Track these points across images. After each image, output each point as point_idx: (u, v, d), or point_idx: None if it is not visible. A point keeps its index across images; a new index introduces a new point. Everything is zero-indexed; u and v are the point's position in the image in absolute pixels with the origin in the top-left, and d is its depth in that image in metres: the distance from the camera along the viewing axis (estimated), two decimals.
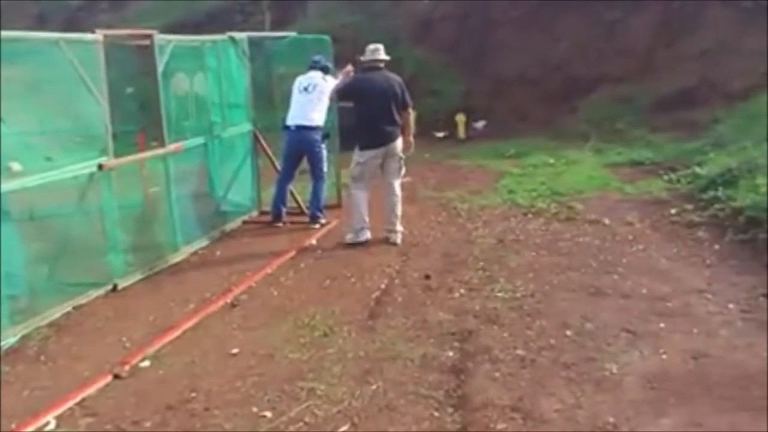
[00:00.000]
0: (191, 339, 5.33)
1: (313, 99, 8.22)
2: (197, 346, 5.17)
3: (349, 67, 7.93)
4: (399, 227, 7.74)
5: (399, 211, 7.75)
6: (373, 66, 7.66)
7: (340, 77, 7.89)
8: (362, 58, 7.77)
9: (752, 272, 6.18)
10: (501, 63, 15.09)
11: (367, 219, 7.58)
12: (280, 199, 8.58)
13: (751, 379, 4.33)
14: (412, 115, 7.89)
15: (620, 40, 14.31)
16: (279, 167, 8.73)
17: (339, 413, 4.14)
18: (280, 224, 8.56)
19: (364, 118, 7.57)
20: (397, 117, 7.56)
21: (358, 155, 7.63)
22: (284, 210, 8.64)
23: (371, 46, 7.73)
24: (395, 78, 7.67)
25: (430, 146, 13.27)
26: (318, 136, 8.30)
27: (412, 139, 7.82)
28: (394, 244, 7.60)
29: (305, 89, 8.17)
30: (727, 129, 10.96)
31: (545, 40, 14.88)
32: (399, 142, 7.62)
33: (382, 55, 7.68)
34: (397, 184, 7.74)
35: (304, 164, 8.52)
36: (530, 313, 5.52)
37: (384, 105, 7.48)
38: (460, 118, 14.34)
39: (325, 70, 8.39)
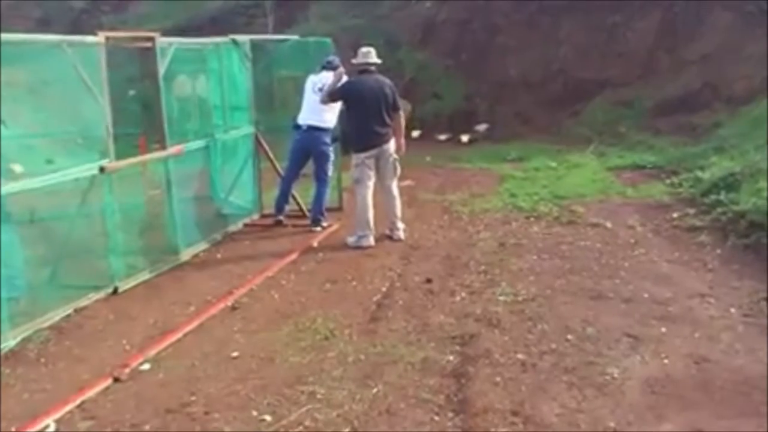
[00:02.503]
0: (191, 342, 5.32)
1: None
2: (197, 349, 5.16)
3: (341, 70, 7.95)
4: (400, 224, 7.89)
5: (398, 211, 7.92)
6: (364, 69, 7.74)
7: (332, 80, 7.90)
8: (354, 61, 7.84)
9: (754, 276, 6.17)
10: (503, 66, 15.11)
11: (372, 225, 7.64)
12: (283, 196, 8.63)
13: (753, 385, 4.32)
14: (402, 117, 7.96)
15: (622, 44, 14.33)
16: (282, 169, 8.74)
17: (339, 417, 4.13)
18: (281, 217, 8.60)
19: (356, 120, 7.73)
20: (388, 119, 7.68)
21: (354, 158, 7.76)
22: (287, 207, 8.68)
23: (363, 49, 7.83)
24: (386, 81, 7.76)
25: (431, 149, 13.28)
26: (328, 138, 8.31)
27: (403, 140, 7.96)
28: (399, 240, 7.75)
29: (320, 90, 8.14)
30: (729, 133, 10.95)
31: (547, 44, 14.90)
32: (391, 144, 7.76)
33: (374, 59, 7.76)
34: (393, 185, 7.87)
35: (307, 168, 8.53)
36: (531, 317, 5.51)
37: (375, 108, 7.58)
38: None
39: None
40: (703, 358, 4.71)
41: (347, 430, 4.01)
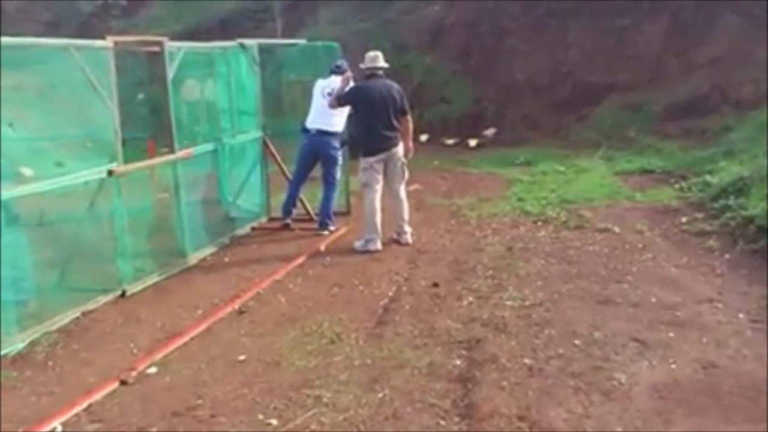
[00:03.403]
0: (198, 345, 5.33)
1: None
2: (204, 353, 5.17)
3: (349, 74, 7.96)
4: (408, 228, 7.89)
5: (406, 215, 7.92)
6: (372, 73, 7.76)
7: (340, 84, 7.91)
8: (362, 66, 7.85)
9: (763, 282, 6.13)
10: (511, 70, 15.07)
11: (379, 229, 7.65)
12: (291, 199, 8.66)
13: (760, 390, 4.30)
14: (410, 121, 7.97)
15: (631, 48, 14.27)
16: (290, 173, 8.75)
17: (345, 421, 4.13)
18: (289, 221, 8.64)
19: (364, 124, 7.77)
20: (396, 123, 7.70)
21: (362, 162, 7.76)
22: (294, 210, 8.71)
23: (371, 54, 7.84)
24: (394, 85, 7.79)
25: (439, 153, 13.27)
26: (336, 143, 8.32)
27: (411, 144, 7.99)
28: (406, 244, 7.76)
29: (329, 94, 8.14)
30: (738, 137, 10.90)
31: (555, 48, 14.86)
32: (400, 148, 7.79)
33: (382, 63, 7.79)
34: (401, 189, 7.89)
35: (315, 171, 8.54)
36: (539, 321, 5.50)
37: (383, 112, 7.62)
38: None
39: None
40: (711, 363, 4.69)
41: None
